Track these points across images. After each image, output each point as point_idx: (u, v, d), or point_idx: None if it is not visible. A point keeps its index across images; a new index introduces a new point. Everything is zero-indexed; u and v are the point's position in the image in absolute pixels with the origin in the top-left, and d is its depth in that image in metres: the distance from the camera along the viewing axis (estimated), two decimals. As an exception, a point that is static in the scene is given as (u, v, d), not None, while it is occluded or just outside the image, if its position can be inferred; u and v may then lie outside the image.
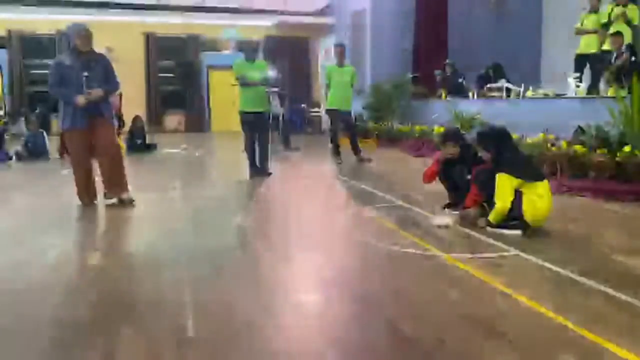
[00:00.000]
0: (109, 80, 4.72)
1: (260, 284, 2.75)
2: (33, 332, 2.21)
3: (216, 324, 2.25)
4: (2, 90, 14.71)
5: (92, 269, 3.08)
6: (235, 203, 5.11)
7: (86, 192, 4.78)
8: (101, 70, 4.67)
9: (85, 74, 4.54)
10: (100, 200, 4.83)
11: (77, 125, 4.59)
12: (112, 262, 3.26)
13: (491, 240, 3.42)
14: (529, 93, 7.97)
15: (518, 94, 8.23)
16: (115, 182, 4.77)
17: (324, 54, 14.91)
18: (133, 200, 4.76)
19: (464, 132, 6.94)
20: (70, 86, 4.54)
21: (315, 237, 3.81)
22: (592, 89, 7.39)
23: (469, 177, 3.92)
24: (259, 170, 6.58)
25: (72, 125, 4.60)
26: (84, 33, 4.56)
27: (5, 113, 14.23)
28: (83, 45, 4.55)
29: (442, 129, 7.84)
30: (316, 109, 15.72)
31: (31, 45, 15.25)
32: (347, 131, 8.03)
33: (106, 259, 3.32)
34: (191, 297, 2.56)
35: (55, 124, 14.39)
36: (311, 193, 5.63)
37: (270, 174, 6.59)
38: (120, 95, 10.68)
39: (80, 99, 4.48)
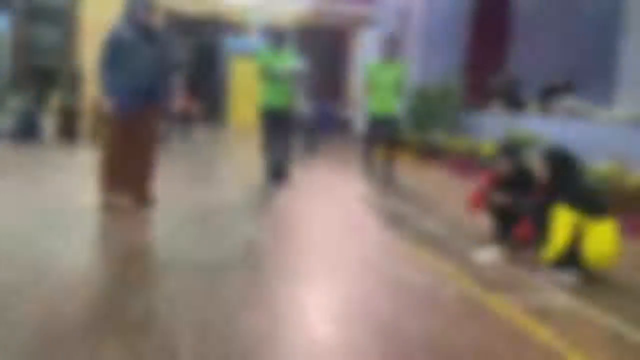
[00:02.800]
0: (169, 65, 4.76)
1: (268, 306, 2.72)
2: (10, 338, 2.24)
3: (212, 348, 2.23)
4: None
5: (83, 271, 3.12)
6: (247, 211, 5.11)
7: (113, 188, 4.66)
8: (163, 52, 4.68)
9: (148, 52, 4.55)
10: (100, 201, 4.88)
11: (125, 109, 4.53)
12: (105, 264, 3.30)
13: (542, 283, 3.33)
14: (603, 113, 7.80)
15: (587, 113, 8.07)
16: (145, 179, 4.77)
17: (362, 49, 14.92)
18: (156, 200, 4.81)
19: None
20: (128, 64, 4.50)
21: (334, 260, 3.77)
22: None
23: (524, 209, 3.83)
24: (276, 176, 6.58)
25: (120, 108, 4.52)
26: (152, 5, 4.57)
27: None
28: (148, 19, 4.56)
29: (493, 146, 7.73)
30: (349, 111, 15.72)
31: (37, 13, 15.67)
32: (387, 140, 7.57)
33: (99, 261, 3.35)
34: (187, 315, 2.56)
35: (55, 100, 14.78)
36: (334, 209, 5.59)
37: (288, 181, 6.58)
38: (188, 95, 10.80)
39: (107, 103, 4.48)
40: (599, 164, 6.02)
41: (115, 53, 4.50)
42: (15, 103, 14.07)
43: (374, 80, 7.36)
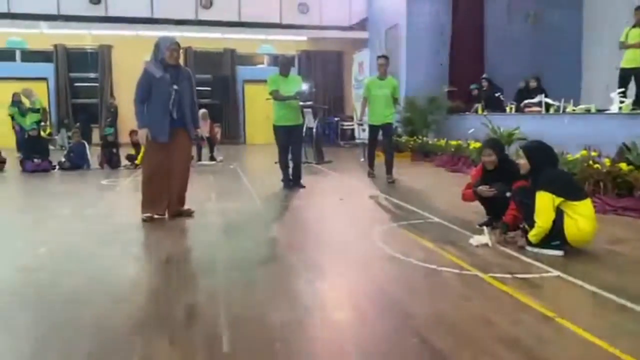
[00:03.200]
0: (193, 96, 4.75)
1: (295, 299, 2.74)
2: (72, 340, 2.26)
3: (251, 339, 2.25)
4: (48, 102, 15.29)
5: (131, 278, 3.15)
6: (269, 215, 5.12)
7: (154, 205, 4.67)
8: (188, 85, 4.67)
9: (175, 87, 4.55)
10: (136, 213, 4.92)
11: (158, 137, 4.56)
12: (149, 271, 3.33)
13: (531, 261, 3.32)
14: (569, 108, 7.76)
15: (558, 109, 8.03)
16: (181, 195, 4.81)
17: (358, 68, 14.95)
18: (192, 212, 4.86)
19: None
20: (159, 98, 4.51)
21: (350, 252, 3.78)
22: (637, 104, 7.15)
23: (508, 194, 3.82)
24: (292, 183, 6.63)
25: (154, 136, 4.56)
26: (174, 46, 4.52)
27: (50, 124, 14.78)
28: (171, 59, 4.52)
29: (478, 144, 7.71)
30: (349, 122, 15.75)
31: (76, 59, 15.88)
32: (385, 146, 7.55)
33: (144, 269, 3.38)
34: (226, 310, 2.57)
35: (96, 134, 14.93)
36: (345, 207, 5.61)
37: (303, 186, 6.62)
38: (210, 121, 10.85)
39: (142, 134, 4.53)
40: (570, 152, 6.00)
41: (147, 89, 4.53)
42: (63, 139, 14.25)
43: (371, 95, 7.32)
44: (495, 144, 4.27)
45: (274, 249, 3.85)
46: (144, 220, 4.62)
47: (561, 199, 3.36)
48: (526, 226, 3.58)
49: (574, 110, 7.65)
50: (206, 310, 2.59)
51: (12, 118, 11.33)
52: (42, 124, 11.39)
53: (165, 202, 4.74)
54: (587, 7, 11.71)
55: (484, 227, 3.94)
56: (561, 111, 7.90)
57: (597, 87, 10.24)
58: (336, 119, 15.87)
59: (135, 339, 2.25)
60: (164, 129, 4.55)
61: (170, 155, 4.65)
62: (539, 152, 3.61)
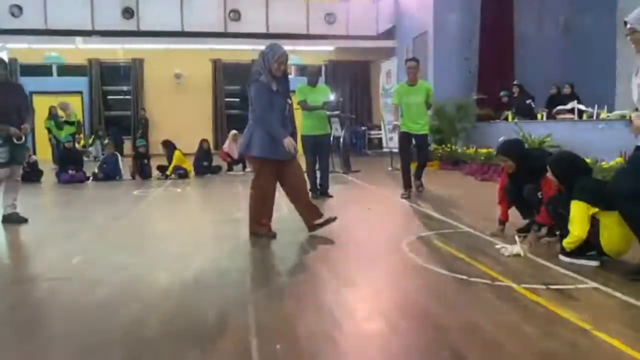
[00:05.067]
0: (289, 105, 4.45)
1: (324, 310, 2.73)
2: (104, 348, 2.31)
3: (280, 350, 2.25)
4: (83, 115, 15.79)
5: (162, 288, 3.20)
6: (297, 225, 5.13)
7: (262, 226, 4.42)
8: (288, 94, 4.38)
9: (289, 100, 4.29)
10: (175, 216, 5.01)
11: (277, 155, 4.21)
12: (180, 281, 3.37)
13: (565, 271, 3.24)
14: (603, 114, 7.58)
15: (591, 116, 7.85)
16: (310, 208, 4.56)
17: (386, 76, 14.94)
18: (335, 218, 4.54)
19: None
20: (275, 111, 4.18)
21: (379, 262, 3.76)
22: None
23: (539, 195, 3.76)
24: (319, 192, 6.65)
25: (273, 154, 4.22)
26: (283, 58, 4.13)
27: (84, 136, 15.24)
28: (279, 71, 4.15)
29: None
30: (377, 131, 15.74)
31: (109, 73, 16.37)
32: (418, 157, 7.02)
33: (175, 278, 3.43)
34: (255, 320, 2.59)
35: (128, 146, 15.29)
36: (373, 216, 5.59)
37: (331, 196, 6.62)
38: None
39: (289, 143, 4.12)
40: (605, 160, 5.85)
41: (267, 101, 4.16)
42: (97, 150, 14.66)
43: (403, 102, 6.76)
44: (506, 148, 4.16)
45: (302, 259, 3.87)
46: (256, 235, 4.38)
47: (596, 209, 3.27)
48: (560, 235, 3.51)
49: (608, 116, 7.47)
50: (236, 320, 2.61)
51: (49, 131, 11.73)
52: (77, 136, 11.75)
53: (270, 220, 4.50)
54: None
55: (516, 237, 3.87)
56: (595, 117, 7.72)
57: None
58: (363, 128, 15.87)
59: (166, 348, 2.29)
60: (278, 147, 4.17)
61: (281, 171, 4.35)
62: (565, 164, 3.54)
